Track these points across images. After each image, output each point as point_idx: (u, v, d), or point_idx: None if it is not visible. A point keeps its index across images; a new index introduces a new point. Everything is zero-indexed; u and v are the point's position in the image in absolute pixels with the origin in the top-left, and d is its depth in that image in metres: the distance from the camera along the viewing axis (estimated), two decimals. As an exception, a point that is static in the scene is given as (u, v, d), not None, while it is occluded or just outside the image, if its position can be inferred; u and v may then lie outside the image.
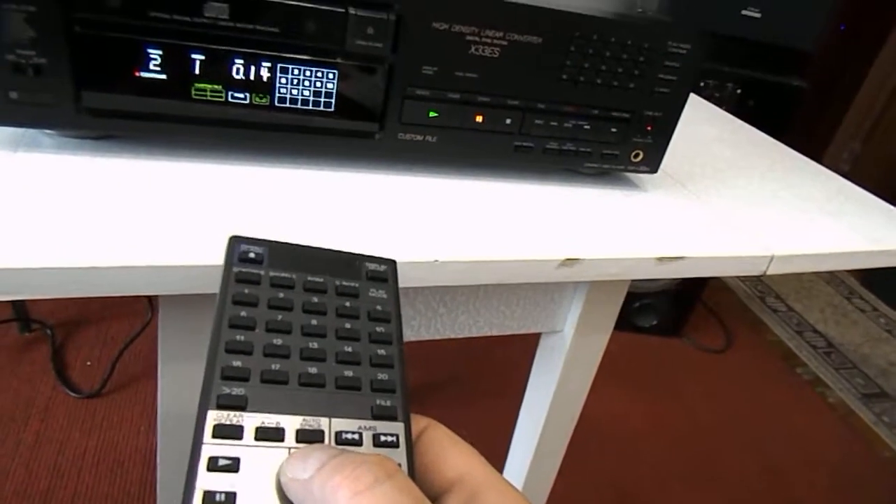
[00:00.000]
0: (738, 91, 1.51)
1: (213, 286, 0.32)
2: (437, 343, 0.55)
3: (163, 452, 0.45)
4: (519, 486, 0.62)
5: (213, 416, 0.22)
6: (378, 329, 0.27)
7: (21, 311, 1.40)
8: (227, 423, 0.22)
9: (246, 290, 0.26)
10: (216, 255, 0.32)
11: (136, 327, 1.43)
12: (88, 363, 1.38)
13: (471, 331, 0.53)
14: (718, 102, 1.46)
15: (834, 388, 1.87)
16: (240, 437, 0.22)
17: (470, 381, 1.55)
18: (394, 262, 0.30)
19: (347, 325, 0.27)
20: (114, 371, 1.34)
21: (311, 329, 0.26)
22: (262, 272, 0.27)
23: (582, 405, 0.64)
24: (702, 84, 1.50)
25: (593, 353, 0.60)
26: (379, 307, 0.28)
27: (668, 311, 1.81)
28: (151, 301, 1.49)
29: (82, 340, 1.43)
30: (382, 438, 0.24)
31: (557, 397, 0.61)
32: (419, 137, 0.44)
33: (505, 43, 0.42)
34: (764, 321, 2.12)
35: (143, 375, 1.37)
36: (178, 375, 0.41)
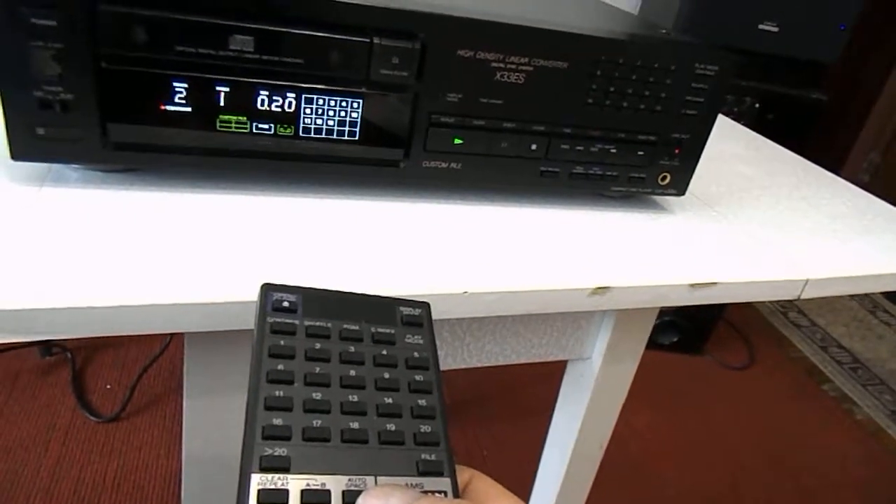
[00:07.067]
0: (757, 105, 1.49)
1: (240, 323, 0.32)
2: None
3: (187, 486, 0.44)
4: (546, 516, 0.60)
5: (257, 480, 0.21)
6: (417, 377, 0.27)
7: (42, 335, 1.40)
8: (272, 487, 0.21)
9: (282, 342, 0.25)
10: (243, 292, 0.31)
11: (155, 350, 1.43)
12: (108, 386, 1.38)
13: (497, 359, 0.52)
14: (737, 117, 1.44)
15: (861, 405, 1.83)
16: (285, 502, 0.21)
17: (490, 402, 1.53)
18: (427, 304, 0.30)
19: (386, 375, 0.26)
20: (133, 395, 1.34)
21: (349, 381, 0.25)
22: (297, 322, 0.26)
23: (611, 432, 0.63)
24: (719, 99, 1.48)
25: (622, 379, 0.58)
26: (416, 354, 0.27)
27: (689, 328, 1.78)
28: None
29: (102, 364, 1.43)
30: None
31: (586, 425, 0.59)
32: (444, 165, 0.43)
33: (530, 69, 0.41)
34: (787, 337, 2.08)
35: (162, 399, 1.37)
36: (204, 412, 0.41)
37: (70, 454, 1.21)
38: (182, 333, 0.36)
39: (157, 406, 1.35)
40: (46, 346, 1.41)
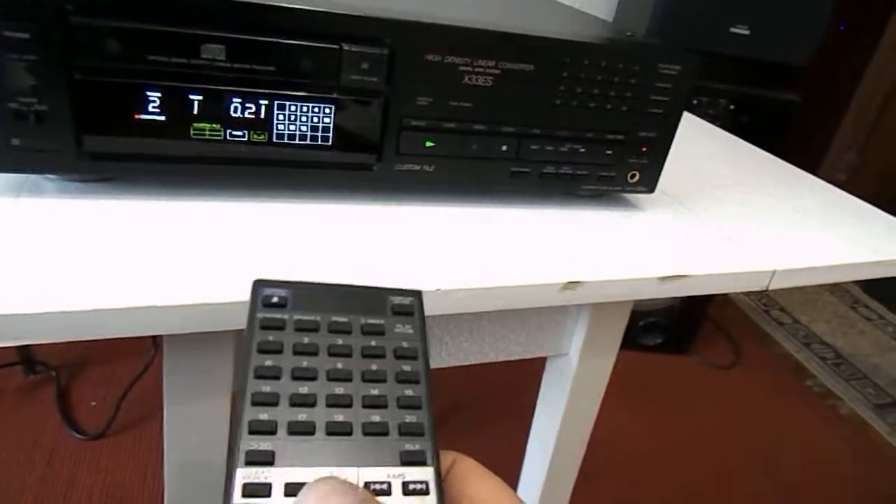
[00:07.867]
0: (731, 107, 1.52)
1: (218, 324, 0.32)
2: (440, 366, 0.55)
3: (170, 492, 0.44)
4: (531, 514, 0.61)
5: (242, 475, 0.22)
6: (405, 368, 0.27)
7: (25, 354, 1.39)
8: (256, 481, 0.22)
9: (271, 338, 0.26)
10: (219, 294, 0.32)
11: (140, 367, 1.42)
12: (93, 404, 1.37)
13: (476, 358, 0.52)
14: (712, 119, 1.47)
15: (845, 399, 1.86)
16: (269, 495, 0.21)
17: (475, 406, 1.54)
18: (419, 292, 0.30)
19: (374, 367, 0.26)
20: (118, 411, 1.33)
21: (336, 373, 0.25)
22: (286, 316, 0.27)
23: (591, 428, 0.63)
24: (695, 101, 1.51)
25: (600, 374, 0.59)
26: (405, 343, 0.27)
27: (673, 329, 1.80)
28: (155, 339, 1.48)
29: (87, 381, 1.42)
30: (412, 486, 0.23)
31: (566, 421, 0.60)
32: (416, 167, 0.44)
33: (498, 71, 0.43)
34: (770, 335, 2.11)
35: (148, 415, 1.36)
36: (184, 417, 0.41)
37: (55, 473, 1.20)
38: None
39: (142, 423, 1.34)
40: (30, 365, 1.40)
